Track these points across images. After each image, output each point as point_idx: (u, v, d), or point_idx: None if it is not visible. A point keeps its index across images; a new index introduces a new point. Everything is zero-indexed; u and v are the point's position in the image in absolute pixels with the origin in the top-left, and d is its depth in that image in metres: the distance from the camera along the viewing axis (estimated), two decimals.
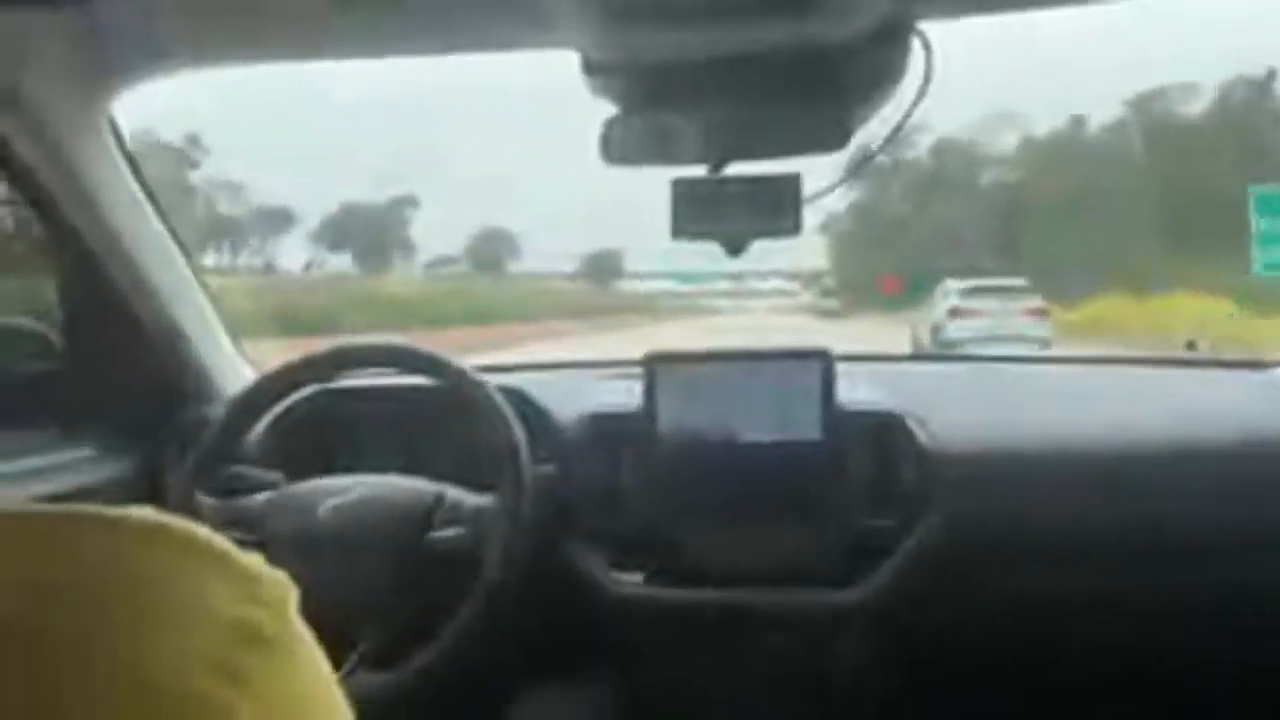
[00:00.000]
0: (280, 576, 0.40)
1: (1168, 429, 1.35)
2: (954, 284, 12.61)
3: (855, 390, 1.35)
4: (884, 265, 27.27)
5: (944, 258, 22.41)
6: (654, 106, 1.01)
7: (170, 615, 0.35)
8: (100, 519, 0.38)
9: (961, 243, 25.47)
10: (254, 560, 0.39)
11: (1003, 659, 1.38)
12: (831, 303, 28.17)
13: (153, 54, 1.14)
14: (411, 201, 37.78)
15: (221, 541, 0.39)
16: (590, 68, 0.97)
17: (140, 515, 0.38)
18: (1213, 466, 1.30)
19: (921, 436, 1.30)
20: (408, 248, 37.40)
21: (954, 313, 11.61)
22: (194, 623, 0.35)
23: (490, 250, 39.20)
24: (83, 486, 1.30)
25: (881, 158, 1.10)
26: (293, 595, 0.40)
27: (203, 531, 0.39)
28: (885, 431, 1.31)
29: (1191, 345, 2.03)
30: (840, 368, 1.31)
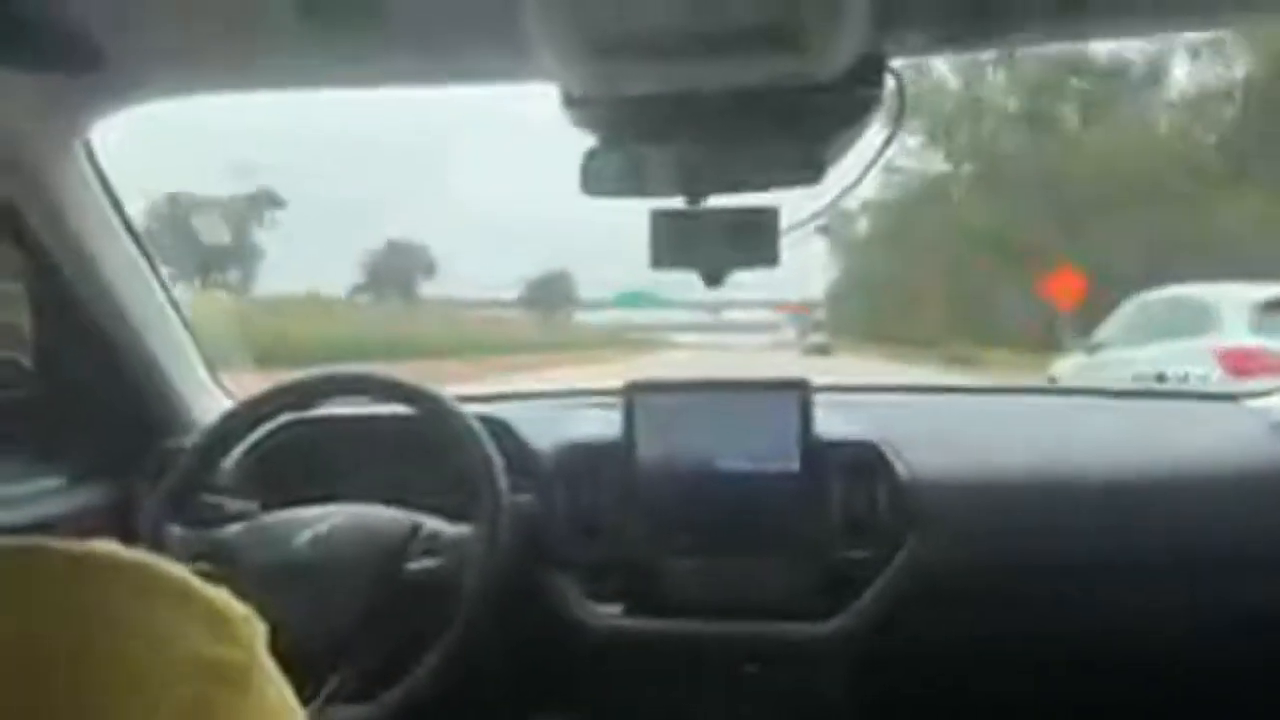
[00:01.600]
0: (248, 613, 0.39)
1: (1142, 459, 1.36)
2: (1226, 291, 5.59)
3: (833, 421, 1.36)
4: (915, 275, 17.43)
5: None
6: (633, 140, 1.03)
7: (135, 657, 0.34)
8: (61, 555, 0.37)
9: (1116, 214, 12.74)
10: (221, 597, 0.39)
11: (981, 689, 1.38)
12: (820, 338, 21.14)
13: (129, 83, 1.14)
14: (271, 200, 28.03)
15: (187, 577, 0.38)
16: (570, 100, 0.98)
17: (103, 551, 0.38)
18: (1187, 494, 1.32)
19: (899, 467, 1.30)
20: (250, 261, 27.87)
21: (1238, 362, 4.65)
22: (159, 665, 0.34)
23: (398, 271, 29.60)
24: (53, 516, 1.28)
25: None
26: (261, 632, 0.39)
27: (168, 567, 0.38)
28: (863, 462, 1.31)
29: (1161, 378, 2.06)
30: (819, 398, 1.32)
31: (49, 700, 0.32)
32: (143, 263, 1.37)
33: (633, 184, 1.04)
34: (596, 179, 1.03)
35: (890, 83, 0.97)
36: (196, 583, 0.38)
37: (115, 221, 1.31)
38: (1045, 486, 1.34)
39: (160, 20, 0.96)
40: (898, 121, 1.00)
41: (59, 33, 0.93)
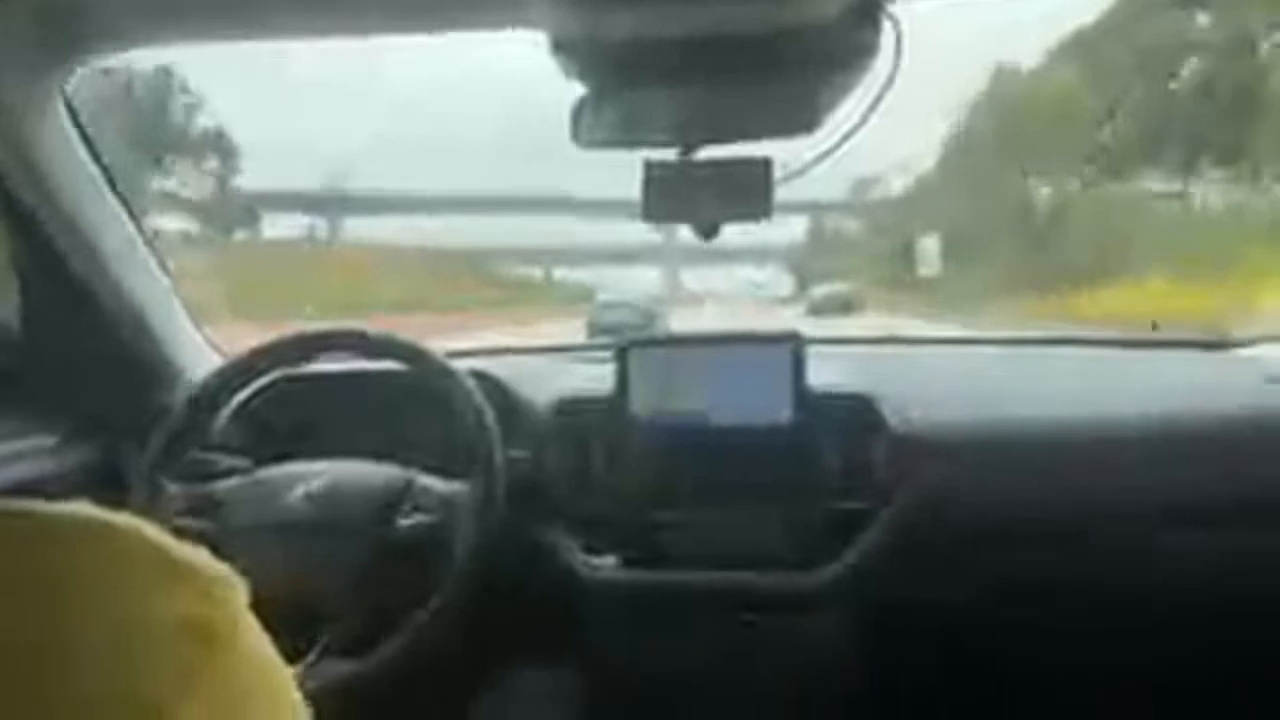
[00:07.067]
0: (228, 572, 0.39)
1: (1134, 407, 1.37)
2: None
3: (826, 373, 1.35)
4: None
5: None
6: (624, 88, 1.00)
7: (115, 622, 0.34)
8: (35, 516, 0.36)
9: None
10: (200, 556, 0.38)
11: (972, 637, 1.40)
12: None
13: (106, 33, 1.10)
14: None
15: (165, 538, 0.38)
16: (559, 48, 0.96)
17: (79, 513, 0.37)
18: (1180, 443, 1.33)
19: (892, 418, 1.31)
20: None
21: None
22: (135, 626, 0.34)
23: None
24: (45, 475, 1.27)
25: None
26: (242, 590, 0.39)
27: (146, 528, 0.38)
28: (856, 413, 1.32)
29: (1155, 326, 2.06)
30: (812, 350, 1.32)
31: (26, 667, 0.31)
32: (126, 218, 1.34)
33: (624, 134, 1.02)
34: (588, 129, 1.01)
35: (888, 27, 0.95)
36: (175, 543, 0.38)
37: (97, 176, 1.28)
38: (1038, 437, 1.34)
39: None
40: (895, 66, 0.98)
41: None
